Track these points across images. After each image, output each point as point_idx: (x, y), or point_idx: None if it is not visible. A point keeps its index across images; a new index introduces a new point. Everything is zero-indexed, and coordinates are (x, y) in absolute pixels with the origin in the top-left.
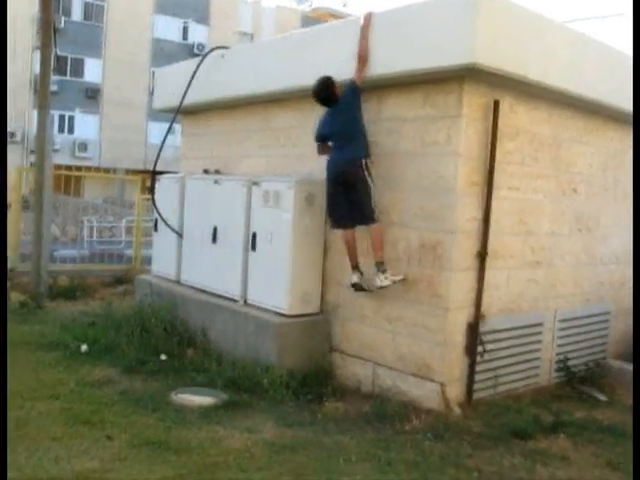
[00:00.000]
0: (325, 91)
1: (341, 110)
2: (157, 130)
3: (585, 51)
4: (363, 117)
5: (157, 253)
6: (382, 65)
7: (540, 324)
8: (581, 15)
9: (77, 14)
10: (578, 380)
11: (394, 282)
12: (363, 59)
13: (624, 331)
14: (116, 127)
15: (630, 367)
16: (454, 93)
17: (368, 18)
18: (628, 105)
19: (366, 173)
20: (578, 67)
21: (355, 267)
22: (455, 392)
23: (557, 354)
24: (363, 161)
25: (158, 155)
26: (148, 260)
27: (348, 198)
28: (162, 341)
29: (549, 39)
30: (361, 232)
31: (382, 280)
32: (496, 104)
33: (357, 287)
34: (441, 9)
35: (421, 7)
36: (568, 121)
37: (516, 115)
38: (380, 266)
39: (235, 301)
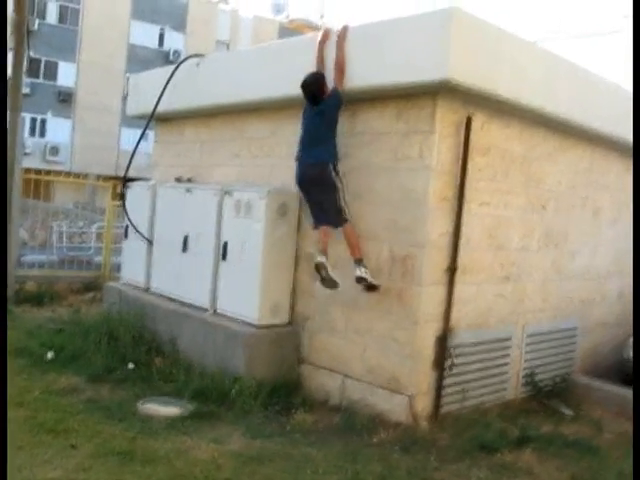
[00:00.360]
0: (315, 85)
1: (321, 112)
2: (130, 136)
3: (556, 71)
4: (337, 127)
5: (127, 260)
6: (357, 79)
7: (508, 339)
8: (555, 34)
9: (52, 17)
10: (545, 395)
11: (371, 283)
12: (341, 69)
13: (590, 347)
14: (89, 132)
15: (596, 383)
16: (427, 108)
17: (344, 31)
18: (597, 125)
19: (334, 176)
20: (550, 86)
21: (359, 261)
22: (423, 405)
23: (524, 369)
24: (331, 165)
25: (130, 161)
26: (118, 267)
27: (317, 200)
28: (130, 349)
29: (521, 58)
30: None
31: (361, 272)
32: (468, 120)
33: (361, 281)
34: (415, 25)
35: (396, 22)
36: (539, 139)
37: (488, 132)
38: (359, 262)
39: (204, 310)
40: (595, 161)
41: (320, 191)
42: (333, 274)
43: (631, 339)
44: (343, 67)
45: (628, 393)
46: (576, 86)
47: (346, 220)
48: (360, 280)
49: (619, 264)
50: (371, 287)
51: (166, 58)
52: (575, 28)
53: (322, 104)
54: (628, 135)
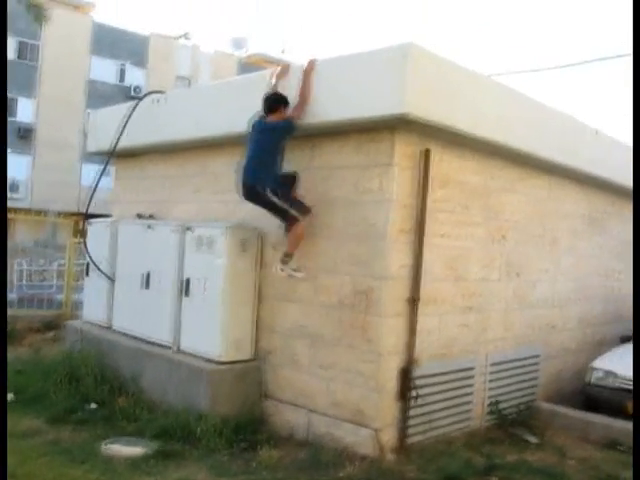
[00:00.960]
0: (275, 99)
1: (271, 129)
2: (91, 172)
3: (511, 104)
4: (282, 155)
5: (88, 298)
6: (316, 114)
7: (472, 368)
8: (513, 68)
9: (11, 53)
10: (509, 423)
11: (290, 275)
12: (304, 100)
13: (553, 373)
14: (49, 168)
15: (559, 409)
16: (386, 142)
17: (312, 63)
18: (554, 156)
19: (271, 197)
20: (505, 119)
21: (288, 256)
22: (389, 437)
23: (489, 397)
24: (269, 189)
25: (90, 198)
26: (79, 305)
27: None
28: (92, 389)
29: (477, 92)
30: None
31: (280, 268)
32: (427, 153)
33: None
34: (373, 61)
35: (354, 58)
36: (497, 170)
37: (447, 164)
38: (287, 257)
39: (167, 348)
40: (552, 190)
41: (264, 206)
42: (290, 272)
43: (594, 362)
44: (307, 98)
45: (591, 418)
46: (530, 118)
47: (297, 219)
48: (282, 271)
49: (578, 291)
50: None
51: (127, 93)
52: (532, 62)
53: (271, 124)
54: (582, 164)
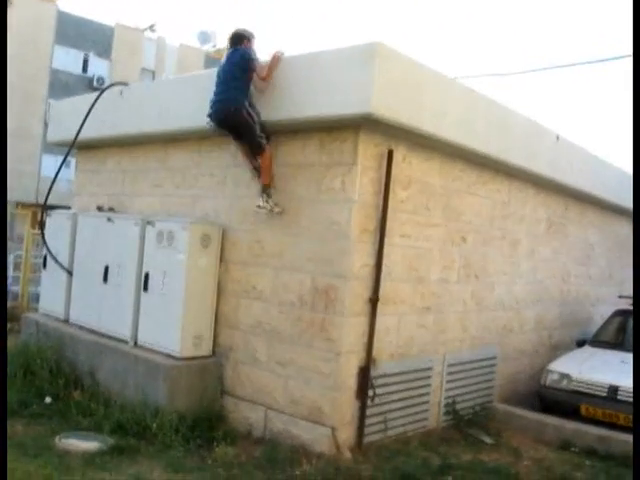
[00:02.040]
0: (238, 33)
1: (236, 58)
2: (52, 162)
3: (475, 106)
4: (249, 90)
5: (45, 291)
6: (280, 111)
7: (429, 368)
8: (481, 71)
9: None
10: (465, 423)
11: (271, 210)
12: (271, 68)
13: (509, 375)
14: (8, 157)
15: (515, 410)
16: (350, 141)
17: (279, 55)
18: (515, 159)
19: (245, 114)
20: (468, 121)
21: (265, 188)
22: (346, 436)
23: (445, 398)
24: (241, 104)
25: (50, 189)
26: (37, 297)
27: (237, 136)
28: (47, 383)
29: (442, 93)
30: None
31: (263, 201)
32: (390, 154)
33: (261, 209)
34: (339, 58)
35: (320, 55)
36: (459, 172)
37: (409, 165)
38: (266, 189)
39: (125, 342)
40: (512, 194)
41: (237, 129)
42: (271, 205)
43: (549, 365)
44: (271, 72)
45: (546, 419)
46: (493, 121)
47: (263, 150)
48: (260, 208)
49: (536, 294)
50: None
51: (90, 84)
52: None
53: (241, 49)
54: (543, 169)
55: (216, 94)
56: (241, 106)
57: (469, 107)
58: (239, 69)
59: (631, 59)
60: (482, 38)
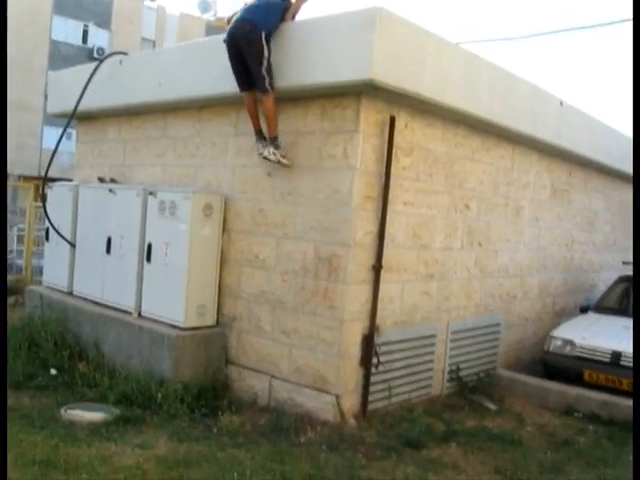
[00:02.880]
0: None
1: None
2: (53, 135)
3: (478, 72)
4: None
5: (49, 263)
6: (281, 78)
7: (433, 336)
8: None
9: None
10: (469, 390)
11: (278, 161)
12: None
13: (513, 342)
14: (9, 130)
15: (518, 376)
16: (351, 108)
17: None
18: (519, 125)
19: (262, 38)
20: (471, 87)
21: (258, 133)
22: (350, 403)
23: (449, 365)
24: (260, 27)
25: (50, 161)
26: (40, 270)
27: (244, 64)
28: (52, 355)
29: (444, 59)
30: None
31: (270, 153)
32: (392, 120)
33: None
34: (339, 24)
35: (319, 21)
36: (461, 139)
37: (412, 132)
38: (273, 140)
39: (129, 313)
40: (516, 160)
41: (247, 53)
42: (266, 152)
43: (553, 331)
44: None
45: (549, 385)
46: (497, 87)
47: (267, 90)
48: (265, 158)
49: (540, 261)
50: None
51: (90, 55)
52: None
53: None
54: (546, 135)
55: (241, 12)
56: (260, 28)
57: (472, 73)
58: (274, 4)
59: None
60: (484, 3)
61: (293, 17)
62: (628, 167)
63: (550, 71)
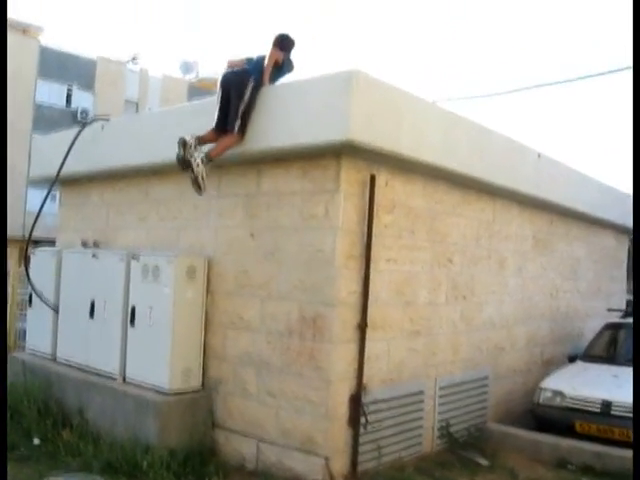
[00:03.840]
0: (280, 38)
1: (259, 60)
2: (37, 197)
3: (455, 128)
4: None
5: (32, 329)
6: (262, 139)
7: (421, 392)
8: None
9: None
10: (460, 446)
11: (197, 177)
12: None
13: (502, 394)
14: None
15: (509, 430)
16: (331, 168)
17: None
18: (498, 179)
19: (250, 85)
20: (449, 143)
21: (208, 157)
22: (340, 465)
23: (439, 421)
24: (252, 77)
25: (33, 225)
26: (24, 334)
27: (226, 103)
28: (35, 423)
29: (421, 117)
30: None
31: (198, 159)
32: (372, 179)
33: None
34: (319, 87)
35: (300, 84)
36: (442, 194)
37: (392, 189)
38: (207, 157)
39: (114, 379)
40: (497, 213)
41: (233, 95)
42: (193, 158)
43: (542, 383)
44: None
45: (541, 438)
46: (474, 142)
47: (234, 130)
48: (187, 163)
49: (525, 311)
50: (196, 184)
51: (73, 117)
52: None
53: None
54: (526, 187)
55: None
56: (250, 76)
57: (449, 129)
58: (260, 68)
59: (623, 72)
60: (459, 62)
61: (268, 79)
62: (607, 214)
63: (526, 124)
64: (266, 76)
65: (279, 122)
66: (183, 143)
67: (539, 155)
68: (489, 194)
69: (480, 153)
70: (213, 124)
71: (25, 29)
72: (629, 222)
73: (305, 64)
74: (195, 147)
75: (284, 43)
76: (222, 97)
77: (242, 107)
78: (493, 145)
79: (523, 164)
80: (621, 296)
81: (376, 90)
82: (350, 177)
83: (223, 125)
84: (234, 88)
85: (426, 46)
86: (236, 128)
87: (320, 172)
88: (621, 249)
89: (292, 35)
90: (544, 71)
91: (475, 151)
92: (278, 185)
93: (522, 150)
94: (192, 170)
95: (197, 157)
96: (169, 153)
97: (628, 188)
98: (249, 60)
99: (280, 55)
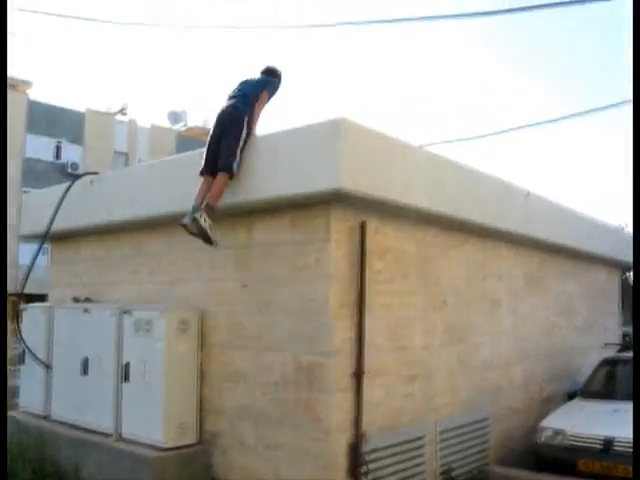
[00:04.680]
0: (272, 72)
1: (259, 83)
2: (29, 250)
3: (443, 172)
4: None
5: (25, 387)
6: (251, 190)
7: (421, 437)
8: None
9: None
10: None
11: (207, 231)
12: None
13: (503, 434)
14: None
15: (512, 471)
16: (321, 217)
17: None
18: (486, 220)
19: (244, 121)
20: (437, 187)
21: (209, 208)
22: None
23: (441, 465)
24: (246, 114)
25: (25, 281)
26: (17, 391)
27: (219, 139)
28: None
29: (409, 162)
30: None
31: (201, 218)
32: (362, 226)
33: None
34: (306, 136)
35: (287, 134)
36: (433, 237)
37: (383, 235)
38: (209, 210)
39: (109, 436)
40: (488, 254)
41: (228, 132)
42: (208, 225)
43: (542, 422)
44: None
45: (544, 478)
46: (462, 184)
47: (231, 169)
48: (191, 224)
49: (522, 350)
50: (205, 238)
51: (63, 170)
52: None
53: (255, 81)
54: (515, 226)
55: (228, 100)
56: (243, 112)
57: (437, 173)
58: (256, 94)
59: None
60: (445, 104)
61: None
62: (597, 249)
63: (514, 164)
64: (254, 126)
65: (268, 172)
66: (194, 219)
67: (527, 194)
68: (479, 235)
69: (468, 195)
70: (201, 168)
71: (14, 85)
72: (620, 256)
73: (291, 114)
74: (199, 212)
75: (272, 84)
76: (214, 137)
77: (241, 144)
78: (481, 186)
79: (512, 204)
80: (615, 330)
81: (363, 137)
82: (340, 225)
83: (213, 169)
84: (229, 124)
85: (410, 91)
86: (235, 168)
87: (310, 222)
88: (613, 283)
89: (277, 68)
90: (529, 112)
91: (463, 193)
92: (269, 236)
93: (510, 190)
94: (201, 228)
95: (199, 215)
96: (159, 206)
97: (617, 221)
98: (234, 95)
99: (267, 97)
